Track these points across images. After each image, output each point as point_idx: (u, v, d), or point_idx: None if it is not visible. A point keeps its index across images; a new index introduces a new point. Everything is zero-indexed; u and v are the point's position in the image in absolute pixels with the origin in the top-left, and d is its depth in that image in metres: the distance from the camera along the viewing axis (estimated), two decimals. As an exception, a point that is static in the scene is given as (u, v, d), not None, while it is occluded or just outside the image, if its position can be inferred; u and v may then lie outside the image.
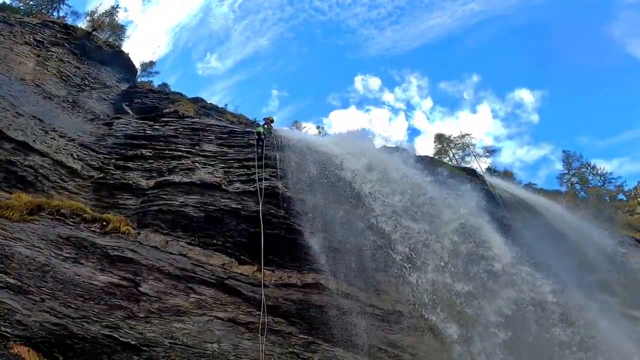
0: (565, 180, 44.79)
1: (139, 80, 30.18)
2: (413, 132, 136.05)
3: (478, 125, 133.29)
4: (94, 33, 25.96)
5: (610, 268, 21.13)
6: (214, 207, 16.37)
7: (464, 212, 18.21)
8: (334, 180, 18.03)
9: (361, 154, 20.47)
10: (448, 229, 17.29)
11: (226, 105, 31.96)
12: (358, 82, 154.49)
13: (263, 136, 19.28)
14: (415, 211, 17.48)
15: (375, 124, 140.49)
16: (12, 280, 11.49)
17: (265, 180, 17.50)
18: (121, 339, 11.69)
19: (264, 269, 15.13)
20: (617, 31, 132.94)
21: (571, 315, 16.04)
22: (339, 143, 21.79)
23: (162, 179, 17.35)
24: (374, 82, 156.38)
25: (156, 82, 35.71)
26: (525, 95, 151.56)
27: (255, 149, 19.02)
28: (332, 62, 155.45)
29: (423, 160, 24.61)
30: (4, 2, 28.56)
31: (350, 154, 20.09)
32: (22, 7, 29.59)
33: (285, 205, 16.96)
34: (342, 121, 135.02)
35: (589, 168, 44.91)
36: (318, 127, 48.48)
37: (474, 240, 17.12)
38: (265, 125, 22.06)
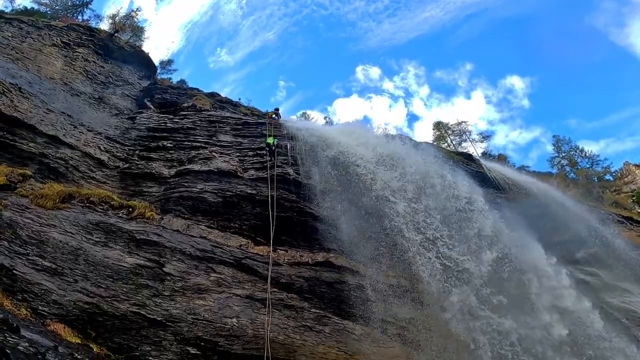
0: (555, 163, 44.42)
1: (158, 77, 29.81)
2: (412, 118, 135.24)
3: (473, 110, 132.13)
4: (115, 34, 25.58)
5: (600, 243, 20.69)
6: (230, 193, 16.20)
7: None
8: (340, 165, 17.69)
9: (364, 141, 20.11)
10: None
11: (239, 98, 31.50)
12: (359, 71, 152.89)
13: (273, 147, 17.72)
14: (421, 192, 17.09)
15: (376, 110, 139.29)
16: (47, 263, 11.50)
17: (277, 167, 17.26)
18: (148, 315, 11.65)
19: (278, 249, 15.06)
20: (600, 21, 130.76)
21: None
22: (343, 131, 21.49)
23: (182, 167, 17.18)
24: (374, 72, 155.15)
25: (174, 78, 35.46)
26: (516, 82, 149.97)
27: (267, 157, 17.60)
28: (335, 53, 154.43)
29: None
30: (32, 7, 28.30)
31: (353, 139, 19.77)
32: (49, 12, 29.24)
33: (296, 190, 16.76)
34: (345, 109, 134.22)
35: (577, 151, 44.44)
36: (325, 117, 48.12)
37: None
38: (275, 116, 21.71)
